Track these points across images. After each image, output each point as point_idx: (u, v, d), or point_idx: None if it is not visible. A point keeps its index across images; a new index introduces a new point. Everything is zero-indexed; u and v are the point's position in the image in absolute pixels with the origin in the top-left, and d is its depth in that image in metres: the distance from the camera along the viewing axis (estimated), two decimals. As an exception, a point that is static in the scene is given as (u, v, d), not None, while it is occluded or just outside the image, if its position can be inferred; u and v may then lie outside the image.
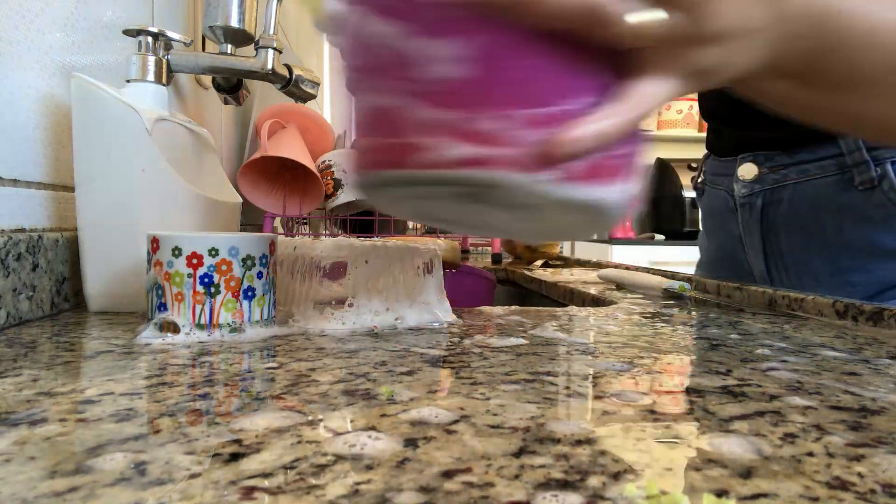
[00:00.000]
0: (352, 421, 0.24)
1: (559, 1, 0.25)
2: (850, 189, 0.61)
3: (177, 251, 0.39)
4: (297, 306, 0.46)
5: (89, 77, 0.49)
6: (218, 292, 0.40)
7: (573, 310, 0.56)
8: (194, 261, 0.39)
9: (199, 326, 0.39)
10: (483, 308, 0.55)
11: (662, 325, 0.48)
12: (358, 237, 1.09)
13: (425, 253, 0.50)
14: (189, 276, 0.39)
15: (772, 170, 0.67)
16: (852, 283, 0.61)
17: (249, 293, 0.41)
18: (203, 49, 0.87)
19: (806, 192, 0.64)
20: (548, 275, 0.95)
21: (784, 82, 0.35)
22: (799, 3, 0.32)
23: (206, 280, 0.39)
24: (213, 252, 0.39)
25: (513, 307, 0.56)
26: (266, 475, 0.19)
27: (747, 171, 0.69)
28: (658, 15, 0.28)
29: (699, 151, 0.98)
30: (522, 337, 0.42)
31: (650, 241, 3.13)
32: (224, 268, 0.40)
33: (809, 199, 0.64)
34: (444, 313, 0.49)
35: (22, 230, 0.47)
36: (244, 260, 0.40)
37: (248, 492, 0.18)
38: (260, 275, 0.41)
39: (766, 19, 0.30)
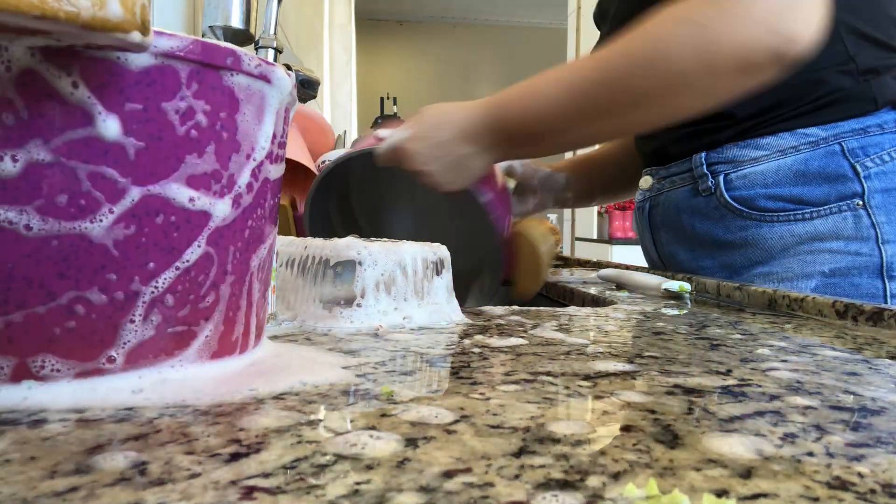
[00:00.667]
0: (352, 421, 0.24)
1: None
2: (697, 195, 0.77)
3: None
4: (305, 305, 0.46)
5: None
6: None
7: (573, 310, 0.56)
8: None
9: None
10: (483, 308, 0.55)
11: (662, 325, 0.48)
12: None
13: (435, 253, 0.50)
14: None
15: (657, 180, 0.85)
16: (704, 268, 0.78)
17: None
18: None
19: (671, 197, 0.81)
20: (548, 275, 0.95)
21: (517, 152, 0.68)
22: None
23: None
24: None
25: (513, 307, 0.56)
26: (266, 475, 0.19)
27: (644, 182, 0.87)
28: None
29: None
30: (522, 337, 0.42)
31: (650, 241, 3.12)
32: None
33: (674, 203, 0.81)
34: (453, 313, 0.49)
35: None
36: None
37: (248, 492, 0.18)
38: None
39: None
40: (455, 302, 0.51)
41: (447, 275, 0.51)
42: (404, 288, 0.47)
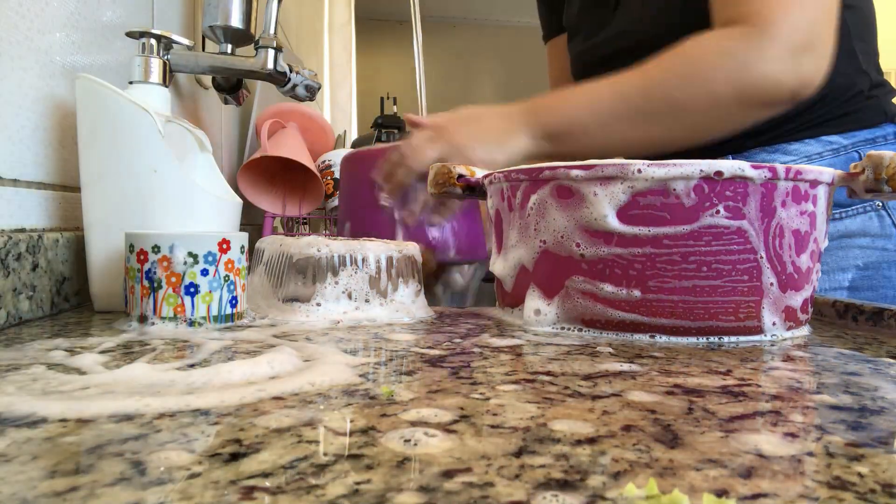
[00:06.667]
0: (352, 421, 0.24)
1: None
2: None
3: (131, 247, 0.42)
4: (267, 301, 0.47)
5: (95, 78, 0.49)
6: (160, 287, 0.41)
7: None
8: (142, 256, 0.42)
9: (142, 319, 0.42)
10: (483, 308, 0.55)
11: (662, 325, 0.48)
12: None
13: (401, 252, 0.50)
14: (138, 270, 0.42)
15: None
16: None
17: (192, 289, 0.42)
18: (203, 49, 0.87)
19: None
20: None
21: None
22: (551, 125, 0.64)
23: (150, 275, 0.42)
24: (156, 249, 0.41)
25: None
26: (266, 475, 0.19)
27: None
28: None
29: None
30: (522, 337, 0.42)
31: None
32: (165, 263, 0.41)
33: None
34: (417, 311, 0.49)
35: (22, 230, 0.47)
36: (186, 257, 0.42)
37: (248, 492, 0.18)
38: (205, 272, 0.42)
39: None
40: (422, 299, 0.51)
41: (415, 273, 0.50)
42: (365, 290, 0.47)
